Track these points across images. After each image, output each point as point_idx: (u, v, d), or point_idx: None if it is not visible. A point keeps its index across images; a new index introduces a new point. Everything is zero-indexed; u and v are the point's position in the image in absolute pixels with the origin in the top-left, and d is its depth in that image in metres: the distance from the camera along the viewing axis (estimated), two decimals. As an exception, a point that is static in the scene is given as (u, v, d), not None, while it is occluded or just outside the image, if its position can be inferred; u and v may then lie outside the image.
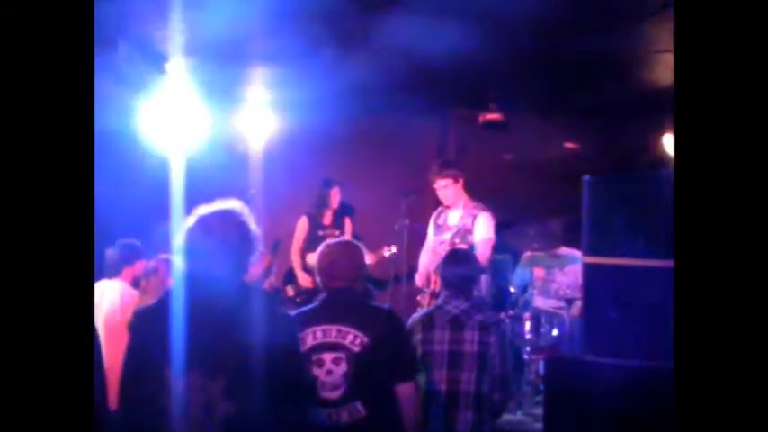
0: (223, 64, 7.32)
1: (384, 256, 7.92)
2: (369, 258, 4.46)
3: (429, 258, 7.19)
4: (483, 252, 6.68)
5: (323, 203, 8.47)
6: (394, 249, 7.85)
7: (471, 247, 6.71)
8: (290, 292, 8.39)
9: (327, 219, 8.49)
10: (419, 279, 7.27)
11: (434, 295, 6.49)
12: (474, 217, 6.98)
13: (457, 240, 6.73)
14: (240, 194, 3.52)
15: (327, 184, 8.50)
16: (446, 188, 7.08)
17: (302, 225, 8.47)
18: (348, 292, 4.18)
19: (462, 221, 6.99)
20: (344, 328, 4.04)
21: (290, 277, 8.49)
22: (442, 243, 6.96)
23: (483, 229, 6.95)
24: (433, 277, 6.73)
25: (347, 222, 8.58)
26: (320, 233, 8.18)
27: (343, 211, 8.67)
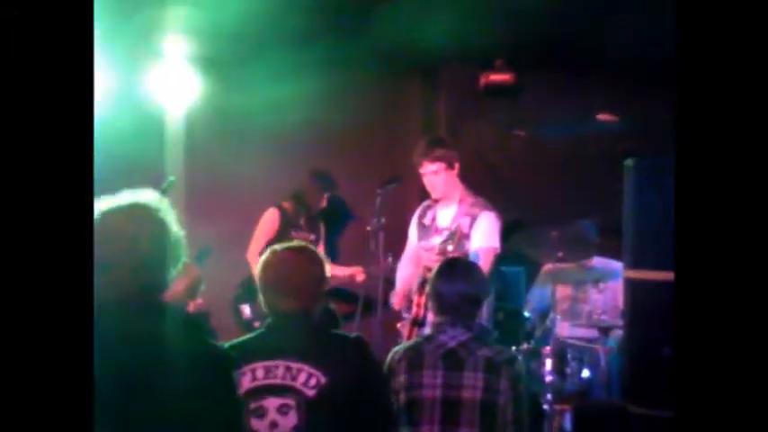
0: (134, 7, 7.24)
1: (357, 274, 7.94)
2: (330, 271, 4.40)
3: (410, 271, 7.13)
4: (484, 264, 6.55)
5: (302, 200, 8.50)
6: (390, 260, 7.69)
7: (467, 256, 6.62)
8: (246, 311, 8.28)
9: (303, 218, 8.53)
10: (396, 299, 7.18)
11: (417, 322, 6.44)
12: (473, 216, 6.89)
13: (450, 248, 6.59)
14: (155, 182, 3.47)
15: (323, 181, 8.52)
16: (436, 175, 6.97)
17: (271, 219, 8.44)
18: (302, 317, 4.16)
19: (457, 222, 6.88)
20: (295, 365, 4.01)
21: (248, 291, 8.21)
22: (428, 250, 6.87)
23: (485, 233, 6.85)
24: (415, 298, 6.65)
25: (322, 227, 8.66)
26: (293, 233, 8.17)
27: (333, 210, 8.72)
